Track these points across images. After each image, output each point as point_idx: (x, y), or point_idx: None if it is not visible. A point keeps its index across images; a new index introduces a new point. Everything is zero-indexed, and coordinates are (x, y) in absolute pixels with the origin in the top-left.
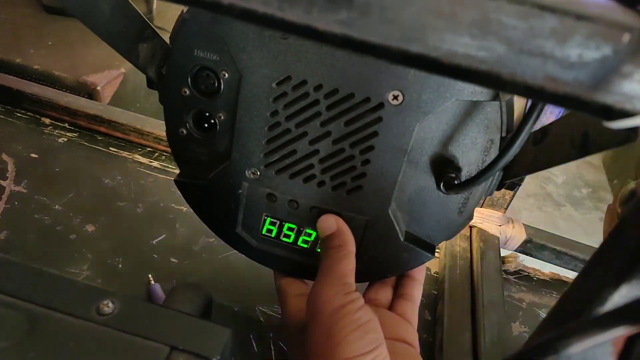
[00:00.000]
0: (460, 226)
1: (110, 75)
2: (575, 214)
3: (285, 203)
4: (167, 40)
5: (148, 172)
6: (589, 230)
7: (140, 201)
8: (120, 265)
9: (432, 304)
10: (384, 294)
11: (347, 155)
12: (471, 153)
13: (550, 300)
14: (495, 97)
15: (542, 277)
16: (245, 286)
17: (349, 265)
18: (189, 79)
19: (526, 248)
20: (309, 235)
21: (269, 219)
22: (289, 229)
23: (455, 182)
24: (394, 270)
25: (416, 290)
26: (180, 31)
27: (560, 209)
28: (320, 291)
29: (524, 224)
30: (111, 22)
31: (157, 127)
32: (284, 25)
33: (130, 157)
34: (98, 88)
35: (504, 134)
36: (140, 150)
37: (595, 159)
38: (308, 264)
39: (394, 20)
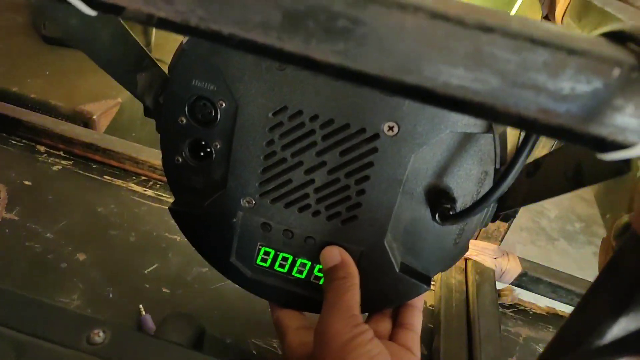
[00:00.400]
0: (455, 257)
1: (107, 104)
2: (569, 249)
3: (280, 232)
4: (166, 71)
5: (142, 200)
6: (582, 265)
7: (133, 230)
8: (111, 295)
9: (428, 337)
10: (383, 325)
11: (343, 185)
12: (466, 184)
13: (547, 334)
14: (489, 129)
15: (538, 311)
16: (238, 318)
17: (355, 296)
18: (186, 108)
19: (521, 281)
20: (304, 265)
21: (263, 249)
22: (284, 259)
23: (451, 212)
24: (390, 302)
25: (416, 319)
26: (179, 61)
27: (554, 243)
28: (329, 324)
29: (519, 257)
30: (111, 51)
31: (152, 155)
32: (283, 56)
33: (124, 185)
34: (94, 117)
35: (497, 166)
36: (134, 179)
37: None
38: (303, 295)
39: (390, 51)
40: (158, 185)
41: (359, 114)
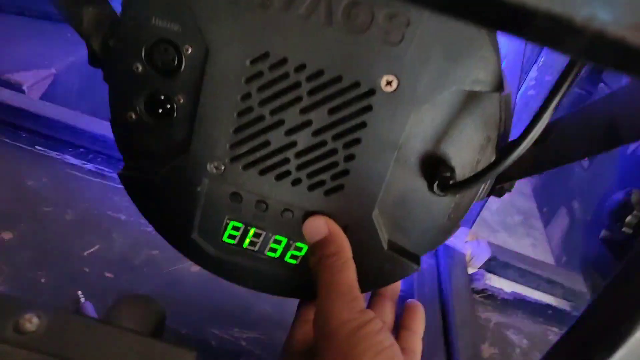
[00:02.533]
0: (447, 234)
1: (39, 75)
2: (510, 240)
3: (252, 204)
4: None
5: (80, 175)
6: None
7: (69, 207)
8: (43, 280)
9: None
10: (385, 314)
11: (329, 149)
12: (465, 151)
13: (516, 321)
14: (498, 88)
15: (505, 297)
16: (195, 305)
17: (352, 274)
18: (143, 54)
19: (490, 266)
20: (278, 242)
21: (232, 223)
22: (255, 235)
23: (451, 182)
24: (375, 283)
25: (418, 321)
26: None
27: (495, 234)
28: (329, 311)
29: (487, 241)
30: None
31: (93, 124)
32: None
33: (59, 157)
34: (24, 88)
35: (502, 131)
36: (71, 151)
37: (526, 187)
38: (277, 277)
39: None
40: (99, 159)
41: (353, 65)
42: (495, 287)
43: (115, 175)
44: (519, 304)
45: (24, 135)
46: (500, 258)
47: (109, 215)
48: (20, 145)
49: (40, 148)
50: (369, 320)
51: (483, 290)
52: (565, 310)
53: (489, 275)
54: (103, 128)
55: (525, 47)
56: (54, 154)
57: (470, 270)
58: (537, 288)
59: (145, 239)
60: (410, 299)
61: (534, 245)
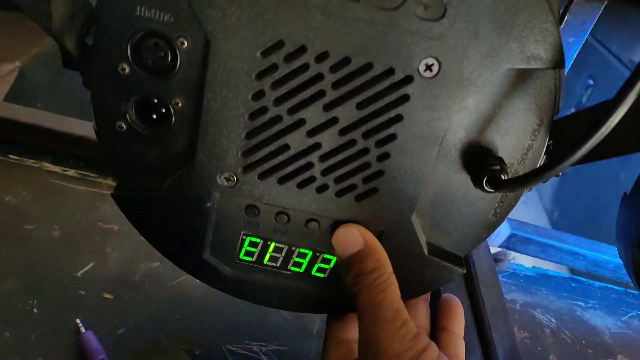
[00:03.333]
0: (491, 230)
1: (3, 69)
2: None
3: (272, 216)
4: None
5: (63, 183)
6: None
7: (55, 222)
8: (35, 310)
9: None
10: (420, 316)
11: (360, 148)
12: (515, 138)
13: (542, 298)
14: (558, 63)
15: (527, 273)
16: (206, 321)
17: (396, 293)
18: (129, 51)
19: (510, 243)
20: (303, 256)
21: (248, 239)
22: (277, 250)
23: (502, 176)
24: (417, 291)
25: (459, 322)
26: None
27: None
28: (379, 341)
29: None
30: None
31: (72, 125)
32: None
33: (37, 165)
34: None
35: (556, 111)
36: (49, 157)
37: None
38: (303, 293)
39: None
40: (82, 162)
41: (385, 50)
42: (518, 265)
43: (101, 181)
44: (542, 279)
45: None
46: (520, 234)
47: (100, 227)
48: None
49: (14, 157)
50: (424, 348)
51: (503, 270)
52: (588, 282)
53: (513, 254)
54: (82, 128)
55: None
56: (30, 162)
57: (492, 250)
58: (559, 262)
59: (143, 250)
60: (446, 294)
61: (525, 202)
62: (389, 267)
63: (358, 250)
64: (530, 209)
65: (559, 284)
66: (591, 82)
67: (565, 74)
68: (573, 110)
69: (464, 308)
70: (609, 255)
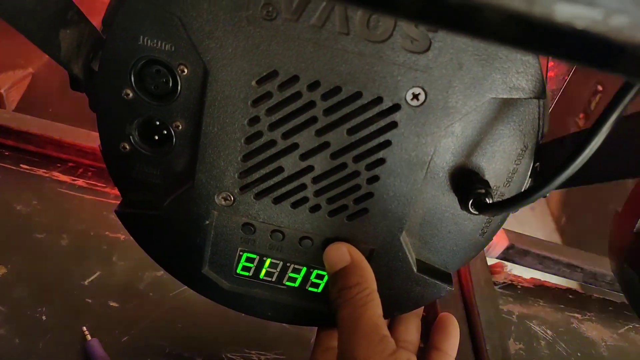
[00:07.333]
0: (479, 249)
1: (16, 76)
2: None
3: (267, 234)
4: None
5: (72, 192)
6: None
7: (64, 231)
8: (44, 317)
9: (422, 327)
10: (409, 333)
11: (350, 171)
12: (500, 162)
13: (539, 310)
14: (540, 94)
15: (525, 285)
16: (208, 328)
17: (378, 309)
18: (132, 78)
19: (508, 254)
20: (298, 271)
21: (245, 255)
22: (272, 265)
23: (487, 199)
24: (404, 307)
25: (452, 341)
26: (119, 11)
27: None
28: (355, 353)
29: (504, 229)
30: None
31: (80, 136)
32: None
33: (47, 175)
34: (2, 91)
35: (540, 138)
36: (59, 167)
37: None
38: (297, 307)
39: None
40: (90, 173)
41: (374, 79)
42: (515, 276)
43: (108, 191)
44: (539, 291)
45: (7, 153)
46: (518, 245)
47: (107, 236)
48: (5, 165)
49: (25, 167)
50: None
51: (503, 282)
52: (586, 294)
53: (510, 266)
54: (90, 139)
55: None
56: (41, 171)
57: (489, 261)
58: (556, 274)
59: (148, 259)
60: (444, 313)
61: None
62: (372, 284)
63: (345, 266)
64: (537, 215)
65: (556, 296)
66: (599, 88)
67: (573, 79)
68: (581, 116)
69: (459, 319)
70: (606, 269)
